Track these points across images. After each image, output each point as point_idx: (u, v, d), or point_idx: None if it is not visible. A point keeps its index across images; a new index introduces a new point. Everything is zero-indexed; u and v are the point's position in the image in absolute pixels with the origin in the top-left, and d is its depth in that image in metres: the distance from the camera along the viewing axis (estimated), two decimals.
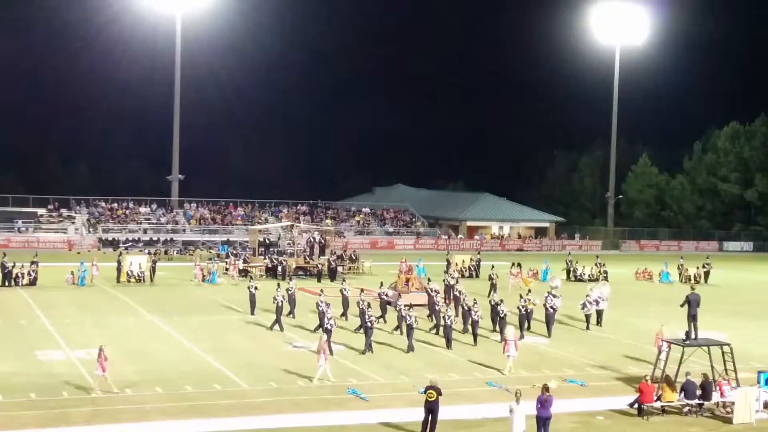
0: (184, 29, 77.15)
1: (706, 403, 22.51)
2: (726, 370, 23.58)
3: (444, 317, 30.49)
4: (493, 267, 45.58)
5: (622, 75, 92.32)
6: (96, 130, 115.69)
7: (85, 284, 44.17)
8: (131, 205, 74.48)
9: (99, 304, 38.57)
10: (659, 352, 25.29)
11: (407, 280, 39.56)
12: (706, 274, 54.59)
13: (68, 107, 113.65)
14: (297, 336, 31.26)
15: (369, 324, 28.87)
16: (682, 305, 25.32)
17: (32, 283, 43.58)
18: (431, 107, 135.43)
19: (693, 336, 24.45)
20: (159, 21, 79.20)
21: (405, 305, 31.16)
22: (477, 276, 52.45)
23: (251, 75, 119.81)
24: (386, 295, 35.47)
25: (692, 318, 24.74)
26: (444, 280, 40.64)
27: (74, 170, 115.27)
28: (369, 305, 30.05)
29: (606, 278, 51.97)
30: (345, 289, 35.81)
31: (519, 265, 48.95)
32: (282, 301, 32.69)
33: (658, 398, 22.33)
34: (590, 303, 34.58)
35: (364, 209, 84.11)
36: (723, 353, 23.85)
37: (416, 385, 23.10)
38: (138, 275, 46.23)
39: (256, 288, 36.13)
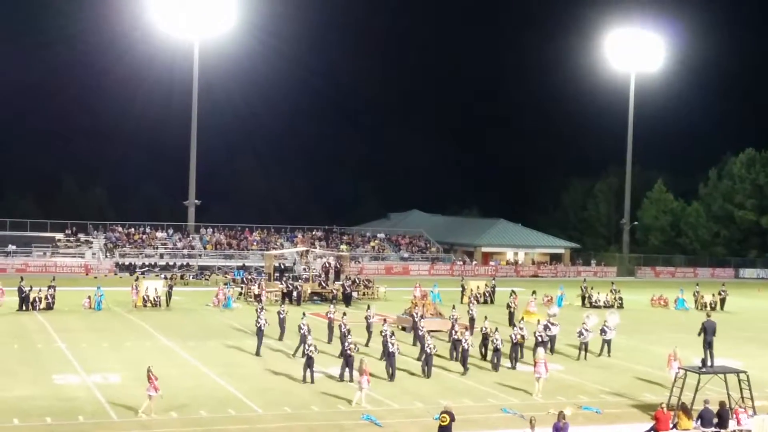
0: (201, 55, 78.11)
1: (722, 431, 22.36)
2: (742, 398, 23.44)
3: (426, 345, 29.39)
4: (511, 295, 44.77)
5: (636, 101, 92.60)
6: (113, 155, 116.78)
7: (102, 308, 44.47)
8: (148, 230, 74.97)
9: (115, 328, 38.77)
10: (675, 379, 25.15)
11: (423, 306, 39.44)
12: (722, 301, 54.26)
13: (86, 132, 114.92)
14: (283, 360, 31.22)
15: (348, 351, 27.73)
16: (699, 333, 25.20)
17: (49, 307, 43.87)
18: (446, 134, 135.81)
19: (709, 363, 24.33)
20: (177, 47, 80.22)
21: (391, 332, 30.12)
22: (492, 302, 52.31)
23: (268, 101, 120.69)
24: (371, 316, 35.14)
25: (708, 345, 24.63)
26: (468, 311, 40.16)
27: (92, 195, 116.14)
28: (349, 331, 29.60)
29: (621, 305, 51.95)
30: (330, 312, 35.99)
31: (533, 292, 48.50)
32: (265, 325, 32.69)
33: (675, 426, 22.21)
34: (586, 331, 33.88)
35: (379, 235, 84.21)
36: (739, 381, 23.72)
37: (431, 411, 23.07)
38: (154, 300, 46.49)
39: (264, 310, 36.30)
